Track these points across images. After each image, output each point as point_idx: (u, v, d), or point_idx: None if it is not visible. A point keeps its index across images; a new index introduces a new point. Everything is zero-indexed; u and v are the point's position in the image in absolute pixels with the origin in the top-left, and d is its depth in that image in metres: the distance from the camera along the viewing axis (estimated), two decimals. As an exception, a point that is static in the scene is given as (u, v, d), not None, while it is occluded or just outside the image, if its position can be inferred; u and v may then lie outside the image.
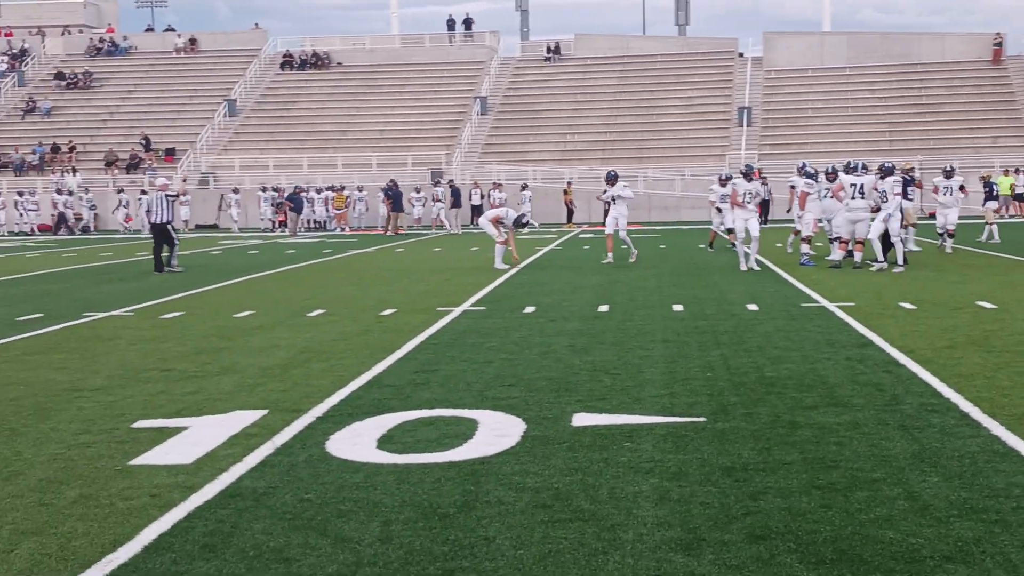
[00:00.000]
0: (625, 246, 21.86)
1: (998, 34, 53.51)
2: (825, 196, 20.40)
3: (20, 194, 47.03)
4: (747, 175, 20.77)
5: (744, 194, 19.71)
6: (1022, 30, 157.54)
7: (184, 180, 26.46)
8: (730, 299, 14.77)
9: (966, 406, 7.57)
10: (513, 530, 5.15)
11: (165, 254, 22.23)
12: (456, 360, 10.10)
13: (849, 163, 20.76)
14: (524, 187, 42.85)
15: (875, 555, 4.72)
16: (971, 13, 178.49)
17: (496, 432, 7.11)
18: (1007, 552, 4.71)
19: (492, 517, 5.35)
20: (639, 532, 5.08)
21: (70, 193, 47.56)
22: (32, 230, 46.28)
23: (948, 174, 23.58)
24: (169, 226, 22.30)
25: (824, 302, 14.13)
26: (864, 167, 19.69)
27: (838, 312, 13.08)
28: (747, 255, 19.47)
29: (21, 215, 46.36)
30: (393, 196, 40.07)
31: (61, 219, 46.24)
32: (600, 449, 6.61)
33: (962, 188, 23.81)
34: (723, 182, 23.11)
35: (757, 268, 19.22)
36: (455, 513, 5.43)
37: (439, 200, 42.40)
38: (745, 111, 50.55)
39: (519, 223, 21.89)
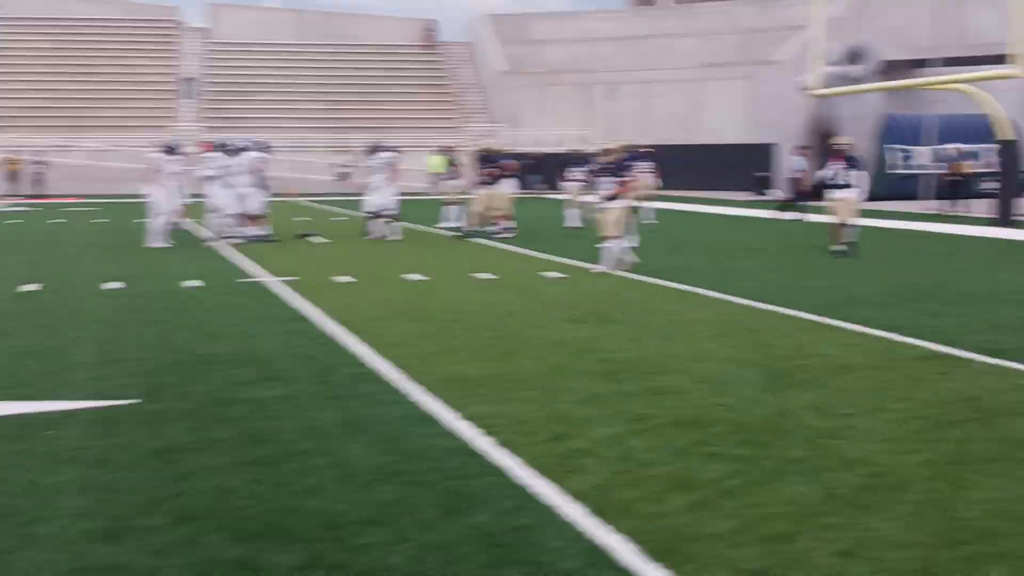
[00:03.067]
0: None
1: (431, 21, 57.00)
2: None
3: None
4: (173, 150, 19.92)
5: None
6: (453, 17, 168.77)
7: None
8: (172, 276, 14.44)
9: (393, 374, 7.98)
10: (-89, 537, 4.66)
11: None
12: None
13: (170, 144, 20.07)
14: None
15: (299, 525, 4.83)
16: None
17: None
18: (422, 511, 5.01)
19: None
20: (59, 525, 4.81)
21: None
22: None
23: (371, 151, 21.44)
24: None
25: (268, 277, 14.26)
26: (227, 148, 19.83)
27: (279, 286, 13.26)
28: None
29: None
30: None
31: None
32: (18, 440, 6.18)
33: (392, 167, 21.11)
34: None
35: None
36: None
37: None
38: (189, 82, 49.60)
39: None
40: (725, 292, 12.57)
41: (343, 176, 42.18)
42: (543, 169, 41.99)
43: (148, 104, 49.16)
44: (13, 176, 40.13)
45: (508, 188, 21.26)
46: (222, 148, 19.60)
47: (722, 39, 48.52)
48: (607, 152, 15.51)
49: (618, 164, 15.03)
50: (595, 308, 11.36)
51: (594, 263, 15.16)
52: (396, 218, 20.98)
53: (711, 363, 8.35)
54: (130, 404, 7.05)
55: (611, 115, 48.04)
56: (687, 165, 40.13)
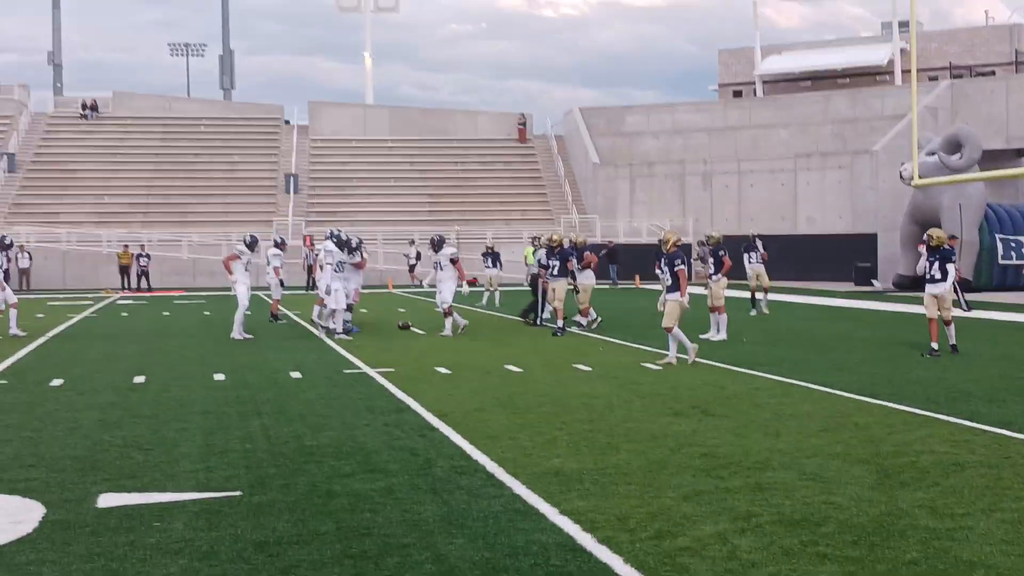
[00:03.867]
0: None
1: (523, 115, 57.78)
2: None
3: None
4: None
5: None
6: (546, 110, 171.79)
7: None
8: (273, 367, 14.67)
9: (492, 467, 7.96)
10: (23, 628, 4.73)
11: None
12: (-32, 440, 9.22)
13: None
14: None
15: (403, 622, 4.80)
16: (500, 94, 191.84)
17: (11, 519, 6.54)
18: (525, 608, 4.95)
19: (0, 615, 4.89)
20: (165, 618, 4.85)
21: None
22: None
23: (437, 245, 20.31)
24: None
25: (366, 368, 14.39)
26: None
27: (379, 378, 13.37)
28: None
29: None
30: None
31: None
32: (127, 531, 6.27)
33: (454, 262, 19.84)
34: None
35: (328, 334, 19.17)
36: (-44, 614, 4.91)
37: None
38: (291, 178, 50.87)
39: None
40: (830, 385, 12.32)
41: (411, 268, 42.55)
42: (619, 259, 41.72)
43: (252, 199, 50.48)
44: (123, 270, 41.40)
45: (588, 280, 21.29)
46: (335, 239, 19.68)
47: (817, 129, 48.36)
48: (663, 242, 15.20)
49: (672, 255, 14.76)
50: (696, 401, 11.22)
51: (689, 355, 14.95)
52: (448, 312, 19.73)
53: (818, 459, 8.16)
54: (234, 496, 7.12)
55: (705, 205, 47.99)
56: (785, 255, 39.71)
